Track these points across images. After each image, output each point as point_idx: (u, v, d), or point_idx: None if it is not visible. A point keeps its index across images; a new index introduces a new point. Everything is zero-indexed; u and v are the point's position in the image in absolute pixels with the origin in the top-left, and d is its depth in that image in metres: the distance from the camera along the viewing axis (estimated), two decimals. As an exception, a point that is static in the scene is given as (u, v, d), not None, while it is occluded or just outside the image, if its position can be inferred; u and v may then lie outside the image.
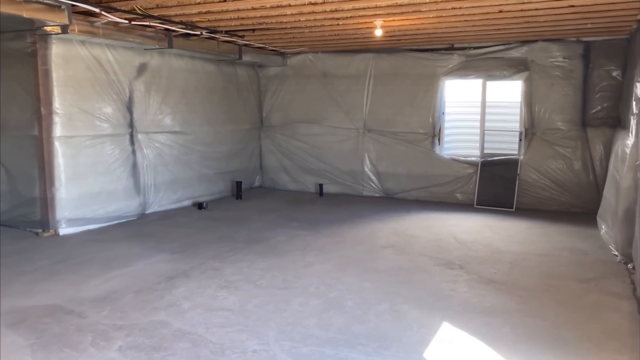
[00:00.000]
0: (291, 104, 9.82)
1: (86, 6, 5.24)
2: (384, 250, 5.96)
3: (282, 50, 9.17)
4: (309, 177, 9.76)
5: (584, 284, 4.81)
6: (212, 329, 3.81)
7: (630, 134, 5.64)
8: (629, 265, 5.18)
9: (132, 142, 7.37)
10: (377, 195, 9.30)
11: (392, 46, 8.60)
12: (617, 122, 7.29)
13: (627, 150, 5.57)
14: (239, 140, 9.59)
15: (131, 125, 7.35)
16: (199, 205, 8.16)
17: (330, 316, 4.05)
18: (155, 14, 5.82)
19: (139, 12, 5.58)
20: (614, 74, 7.55)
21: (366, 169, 9.34)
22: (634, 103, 5.65)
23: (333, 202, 8.80)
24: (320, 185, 9.47)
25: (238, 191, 9.02)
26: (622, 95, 7.18)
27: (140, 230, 6.81)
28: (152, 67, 7.64)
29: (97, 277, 4.93)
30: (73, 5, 5.20)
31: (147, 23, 6.20)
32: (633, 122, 5.59)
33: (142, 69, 7.48)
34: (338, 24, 6.52)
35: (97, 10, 5.35)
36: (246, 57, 8.57)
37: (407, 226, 7.08)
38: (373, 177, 9.32)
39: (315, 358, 3.38)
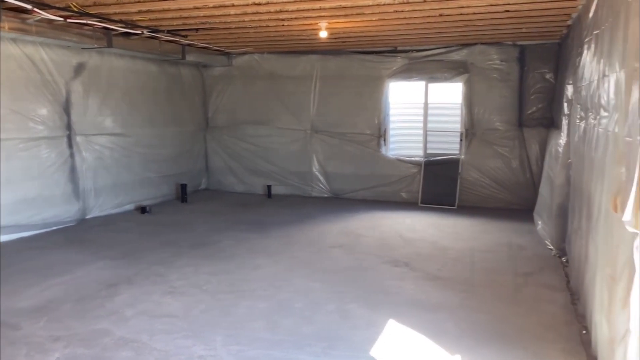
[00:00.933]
0: (237, 104, 9.72)
1: (17, 2, 4.98)
2: (332, 250, 5.99)
3: (227, 50, 9.06)
4: (257, 178, 9.68)
5: (523, 278, 5.02)
6: (156, 335, 3.71)
7: (562, 134, 5.93)
8: (563, 259, 5.44)
9: (70, 145, 7.08)
10: (326, 195, 9.35)
11: (337, 48, 8.67)
12: (551, 122, 7.65)
13: (560, 150, 5.85)
14: (184, 142, 9.40)
15: (69, 127, 7.06)
16: (142, 210, 7.93)
17: (279, 318, 4.03)
18: (93, 12, 5.61)
19: (75, 9, 5.36)
20: (547, 76, 7.93)
21: (314, 170, 9.37)
22: (565, 104, 5.95)
23: (281, 204, 8.78)
24: (269, 187, 9.42)
25: (183, 194, 8.83)
26: (555, 97, 7.55)
27: (80, 236, 6.55)
28: (91, 67, 7.36)
29: (33, 287, 4.69)
30: (2, 1, 4.93)
31: (84, 21, 5.96)
32: (565, 123, 5.89)
33: (79, 68, 7.19)
34: (283, 25, 6.51)
35: (28, 6, 5.10)
36: (190, 57, 8.41)
37: (355, 226, 7.15)
38: (321, 178, 9.37)
39: (263, 361, 3.36)
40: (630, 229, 2.40)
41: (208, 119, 9.97)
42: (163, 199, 8.82)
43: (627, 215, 2.43)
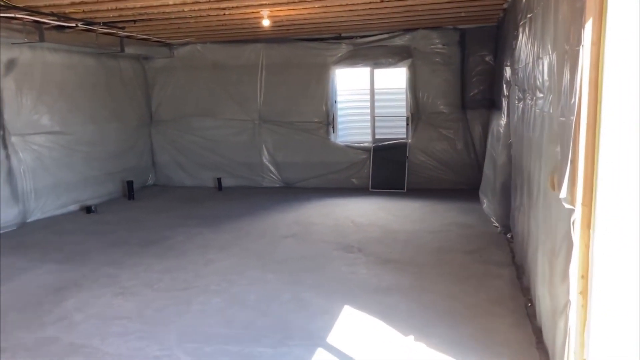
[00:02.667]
0: (182, 97, 9.48)
1: None
2: (285, 240, 6.00)
3: (168, 41, 8.81)
4: (206, 171, 9.52)
5: (470, 256, 5.19)
6: (108, 339, 3.61)
7: (502, 115, 6.14)
8: (508, 235, 5.66)
9: (4, 146, 6.72)
10: (277, 185, 9.32)
11: (281, 36, 8.60)
12: (492, 103, 7.90)
13: (501, 130, 6.06)
14: (127, 137, 9.10)
15: (2, 127, 6.70)
16: (88, 209, 7.65)
17: (234, 312, 4.01)
18: (21, 5, 5.32)
19: (1, 3, 5.06)
20: (487, 59, 8.15)
21: (264, 160, 9.30)
22: (504, 86, 6.15)
23: (233, 196, 8.68)
24: (219, 180, 9.29)
25: (130, 191, 8.58)
26: (494, 79, 7.78)
27: (21, 240, 6.26)
28: (23, 63, 6.99)
29: (-28, 298, 4.46)
30: None
31: (12, 15, 5.65)
32: (504, 104, 6.09)
33: (10, 65, 6.81)
34: (224, 14, 6.38)
35: (-51, 1, 4.78)
36: (129, 50, 8.13)
37: (308, 214, 7.18)
38: (272, 168, 9.32)
39: (220, 356, 3.34)
40: (567, 206, 2.52)
41: (152, 112, 9.69)
42: (109, 197, 8.54)
43: (563, 192, 2.55)
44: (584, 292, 2.47)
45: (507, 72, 5.97)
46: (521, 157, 4.58)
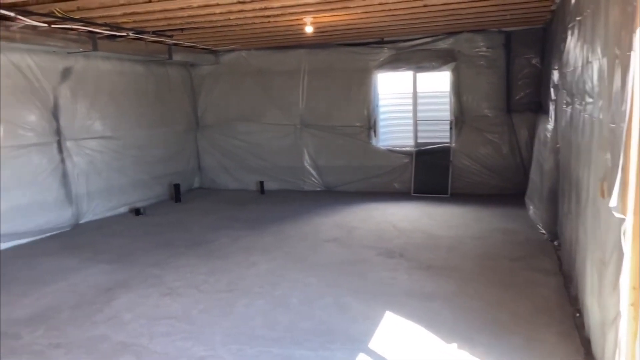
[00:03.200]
0: (227, 102, 9.70)
1: (0, 10, 4.94)
2: (327, 244, 6.03)
3: (214, 48, 9.04)
4: (250, 175, 9.70)
5: (516, 263, 5.08)
6: (156, 338, 3.74)
7: (550, 119, 5.98)
8: (555, 243, 5.51)
9: (60, 150, 7.05)
10: (318, 189, 9.38)
11: (324, 41, 8.66)
12: (539, 107, 7.71)
13: (548, 135, 5.91)
14: (174, 142, 9.38)
15: (58, 132, 7.03)
16: (136, 212, 7.93)
17: (276, 315, 4.07)
18: (77, 17, 5.58)
19: (59, 14, 5.32)
20: (533, 61, 7.97)
21: (306, 164, 9.39)
22: (551, 89, 5.99)
23: (275, 200, 8.80)
24: (261, 183, 9.44)
25: (177, 194, 8.83)
26: (541, 82, 7.59)
27: (74, 241, 6.55)
28: (78, 71, 7.32)
29: (29, 295, 4.70)
30: (-16, 10, 4.90)
31: (68, 26, 5.93)
32: (552, 107, 5.94)
33: (66, 73, 7.15)
34: (269, 22, 6.49)
35: (11, 14, 5.06)
36: (177, 57, 8.37)
37: (349, 218, 7.19)
38: (313, 172, 9.39)
39: (262, 358, 3.39)
40: (617, 215, 2.44)
41: (198, 118, 9.95)
42: (157, 199, 8.82)
43: (614, 201, 2.48)
44: (636, 304, 2.39)
45: (555, 75, 5.82)
46: (569, 162, 4.46)
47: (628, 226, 2.37)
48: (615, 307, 2.51)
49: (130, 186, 8.29)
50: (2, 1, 4.77)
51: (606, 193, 2.69)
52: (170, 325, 3.95)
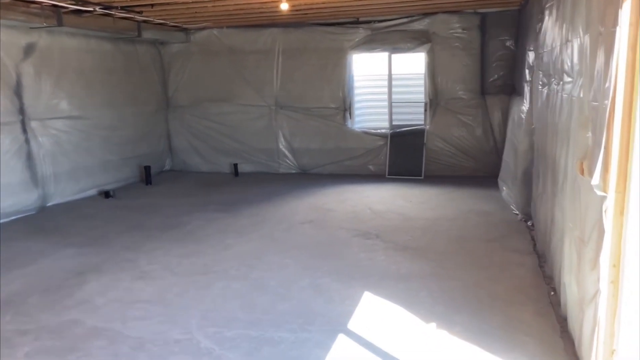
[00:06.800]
0: (198, 82, 9.46)
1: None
2: (302, 226, 5.98)
3: (184, 26, 8.77)
4: (223, 157, 9.53)
5: (491, 244, 5.13)
6: (129, 322, 3.64)
7: (524, 100, 6.02)
8: (529, 223, 5.58)
9: (24, 131, 6.77)
10: (294, 171, 9.29)
11: (299, 20, 8.50)
12: (513, 89, 7.76)
13: (523, 116, 5.95)
14: (145, 122, 9.12)
15: (22, 111, 6.74)
16: (106, 194, 7.71)
17: (253, 297, 4.01)
18: (40, -11, 5.32)
19: (20, -14, 5.06)
20: (508, 43, 8.00)
21: (281, 146, 9.27)
22: (526, 71, 6.02)
23: (249, 182, 8.68)
24: (235, 165, 9.29)
25: (147, 176, 8.62)
26: (516, 64, 7.63)
27: (41, 225, 6.32)
28: (42, 48, 7.00)
29: (-5, 280, 4.52)
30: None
31: (30, -1, 5.66)
32: (526, 89, 5.97)
33: (29, 49, 6.83)
34: (242, -2, 6.33)
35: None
36: (146, 34, 8.10)
37: (324, 200, 7.15)
38: (288, 154, 9.29)
39: (241, 341, 3.34)
40: (599, 192, 2.45)
41: (169, 97, 9.70)
42: (126, 182, 8.58)
43: (596, 179, 2.48)
44: (615, 281, 2.42)
45: (530, 56, 5.84)
46: (545, 143, 4.49)
47: (610, 204, 2.38)
48: (595, 284, 2.53)
49: (99, 168, 8.04)
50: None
51: (586, 171, 2.70)
52: (144, 309, 3.84)
